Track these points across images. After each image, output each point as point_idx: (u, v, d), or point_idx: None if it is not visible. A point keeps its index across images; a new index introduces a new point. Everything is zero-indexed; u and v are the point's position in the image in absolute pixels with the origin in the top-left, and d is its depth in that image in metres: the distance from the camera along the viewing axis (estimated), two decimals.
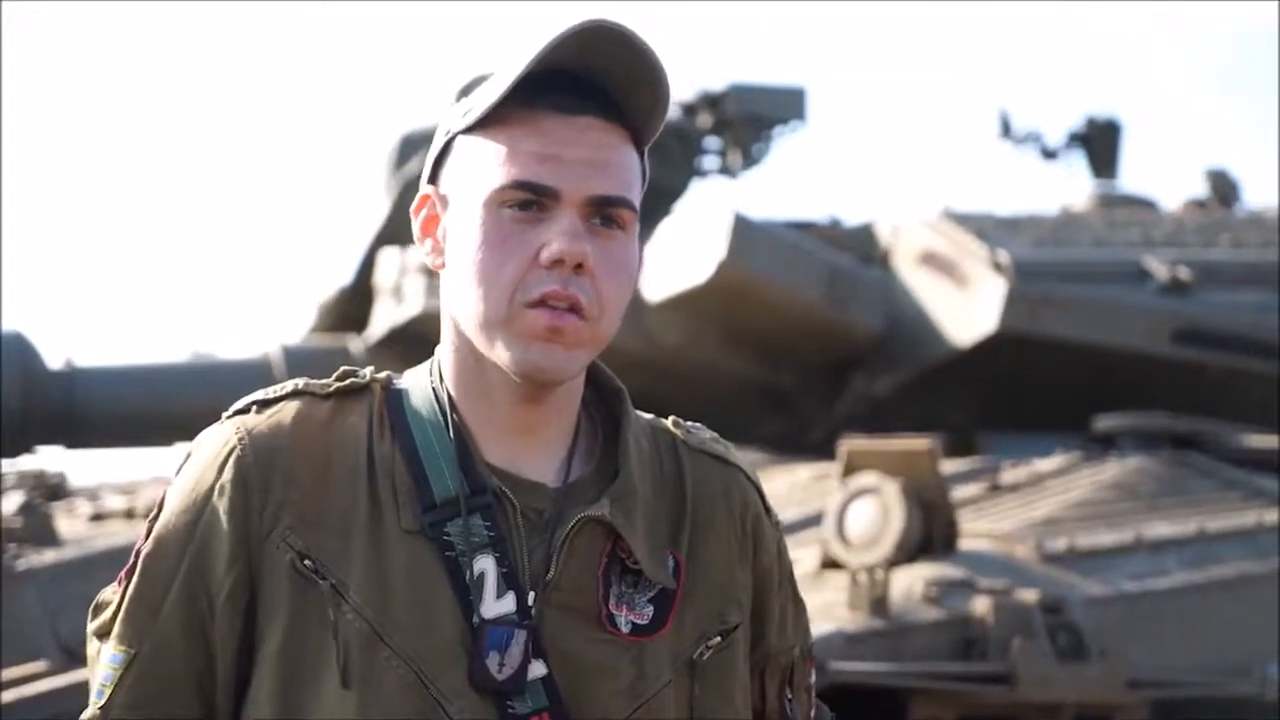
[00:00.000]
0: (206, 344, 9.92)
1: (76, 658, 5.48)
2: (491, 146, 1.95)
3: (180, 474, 2.00)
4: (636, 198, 1.97)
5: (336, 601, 1.91)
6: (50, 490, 8.26)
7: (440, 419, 1.98)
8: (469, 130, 1.98)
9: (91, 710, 1.97)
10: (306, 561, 1.92)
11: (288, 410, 1.98)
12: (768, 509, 2.10)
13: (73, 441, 9.10)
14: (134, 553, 1.98)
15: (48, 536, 6.83)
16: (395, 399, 2.01)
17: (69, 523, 7.53)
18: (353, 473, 1.95)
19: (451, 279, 1.98)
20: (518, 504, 1.96)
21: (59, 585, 6.16)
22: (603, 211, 1.95)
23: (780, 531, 2.12)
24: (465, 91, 2.00)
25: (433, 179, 2.02)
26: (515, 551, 1.94)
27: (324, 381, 2.02)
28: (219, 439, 1.98)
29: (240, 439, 1.96)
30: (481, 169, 1.96)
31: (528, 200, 1.93)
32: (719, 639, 2.01)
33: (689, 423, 2.11)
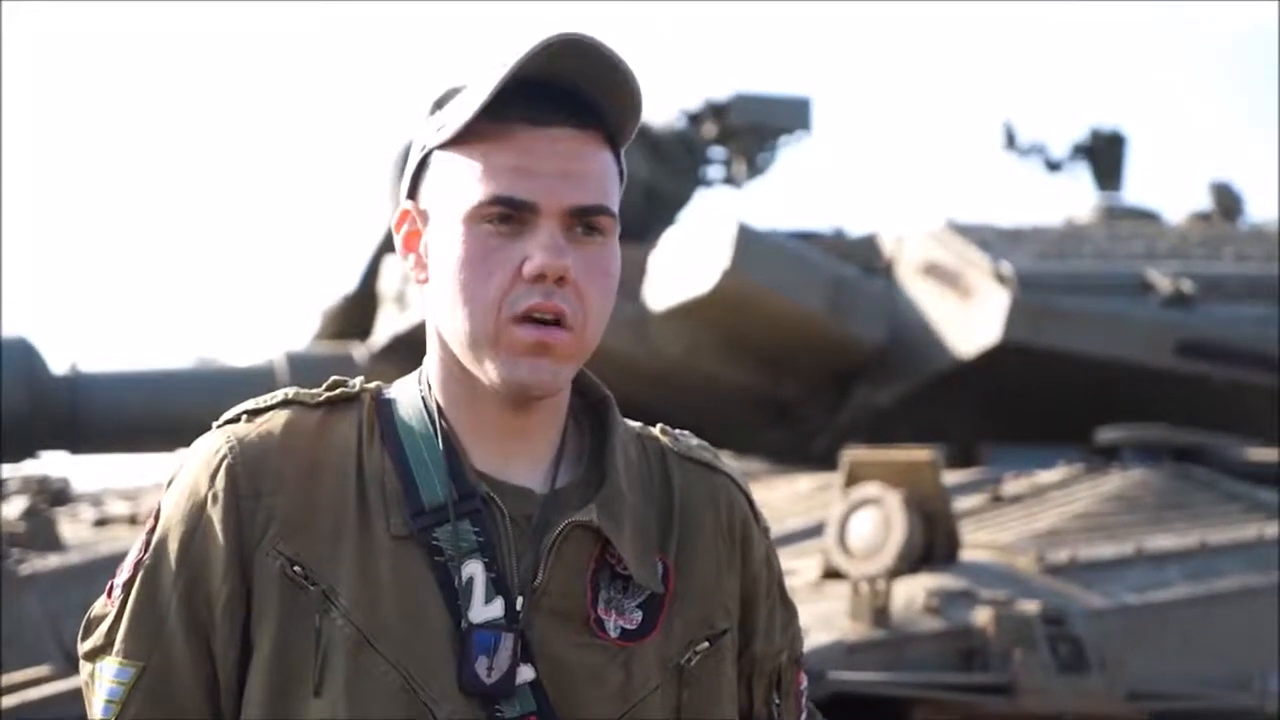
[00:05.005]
0: (211, 350, 9.93)
1: (78, 662, 5.47)
2: (466, 162, 1.96)
3: (173, 484, 2.00)
4: (615, 203, 1.98)
5: (325, 607, 1.91)
6: (54, 495, 8.27)
7: (429, 427, 1.99)
8: (444, 145, 1.98)
9: None
10: (296, 568, 1.92)
11: (277, 419, 1.99)
12: (756, 515, 2.11)
13: (76, 447, 9.11)
14: (133, 564, 1.98)
15: (51, 541, 6.84)
16: (385, 408, 2.01)
17: (72, 528, 7.54)
18: (342, 479, 1.96)
19: (436, 294, 1.99)
20: (506, 510, 1.96)
21: (62, 590, 6.16)
22: (582, 220, 1.95)
23: (769, 538, 2.12)
24: (439, 105, 2.01)
25: (411, 194, 2.03)
26: (504, 557, 1.95)
27: (313, 391, 2.03)
28: (210, 448, 1.98)
29: (230, 447, 1.97)
30: (458, 184, 1.96)
31: (506, 215, 1.94)
32: (707, 644, 2.01)
33: (676, 430, 2.12)
